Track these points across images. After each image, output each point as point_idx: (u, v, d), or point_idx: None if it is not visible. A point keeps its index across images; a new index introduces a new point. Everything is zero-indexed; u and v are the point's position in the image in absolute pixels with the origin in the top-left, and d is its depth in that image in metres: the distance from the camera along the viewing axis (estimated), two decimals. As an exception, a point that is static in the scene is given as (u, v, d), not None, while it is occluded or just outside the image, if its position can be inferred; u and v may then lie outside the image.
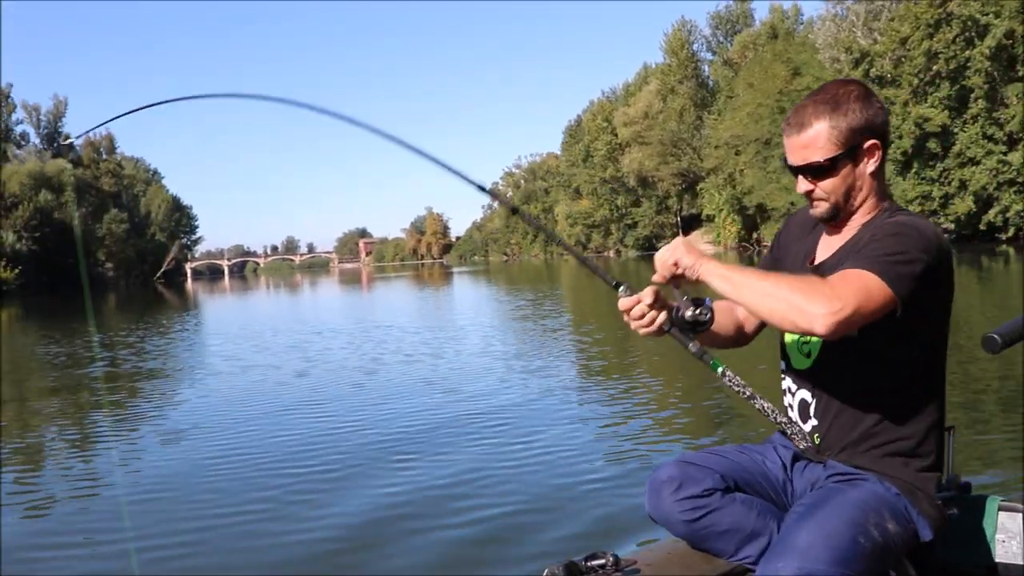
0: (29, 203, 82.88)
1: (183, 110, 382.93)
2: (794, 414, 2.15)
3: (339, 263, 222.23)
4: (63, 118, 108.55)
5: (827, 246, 2.15)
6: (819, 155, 2.02)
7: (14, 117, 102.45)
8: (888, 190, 2.14)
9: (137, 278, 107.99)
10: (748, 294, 1.89)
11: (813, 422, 2.10)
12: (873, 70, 47.47)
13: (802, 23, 72.58)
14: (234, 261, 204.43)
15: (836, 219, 2.10)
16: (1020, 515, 2.15)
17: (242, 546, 4.46)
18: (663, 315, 2.05)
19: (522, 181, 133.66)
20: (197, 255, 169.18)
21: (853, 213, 2.09)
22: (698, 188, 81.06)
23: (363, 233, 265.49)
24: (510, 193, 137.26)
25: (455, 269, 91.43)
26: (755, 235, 70.82)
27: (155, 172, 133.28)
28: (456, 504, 4.89)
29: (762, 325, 2.25)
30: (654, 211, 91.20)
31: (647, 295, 2.04)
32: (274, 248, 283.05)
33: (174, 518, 5.02)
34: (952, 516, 2.08)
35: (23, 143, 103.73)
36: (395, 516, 4.74)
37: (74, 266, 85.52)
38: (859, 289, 1.83)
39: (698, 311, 2.02)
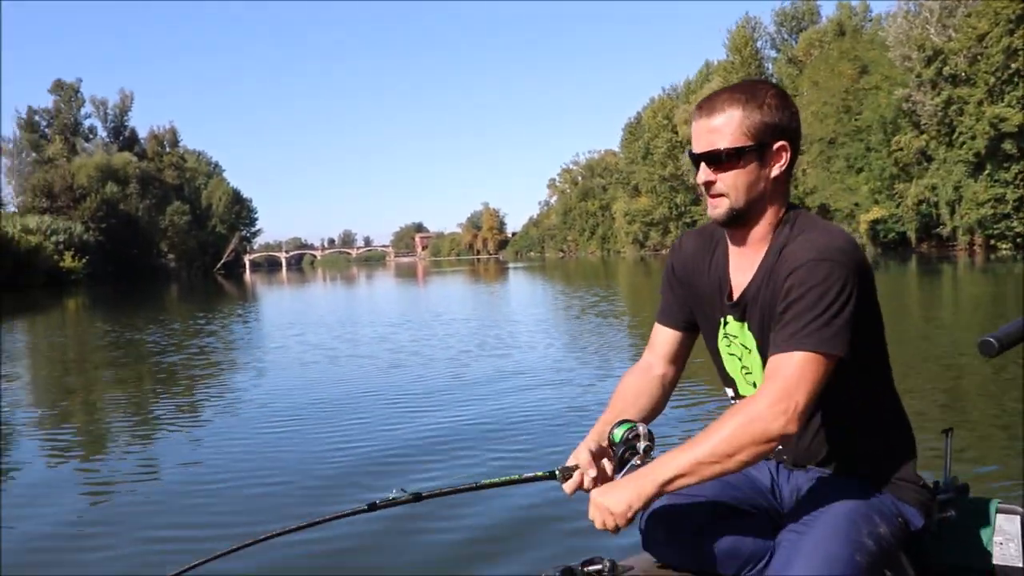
0: (96, 195, 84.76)
1: (246, 103, 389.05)
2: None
3: (395, 257, 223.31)
4: (129, 112, 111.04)
5: (740, 270, 2.04)
6: (727, 142, 1.91)
7: (83, 111, 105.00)
8: (788, 201, 2.02)
9: (198, 269, 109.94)
10: (707, 469, 1.81)
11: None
12: (947, 68, 46.25)
13: (870, 20, 71.07)
14: (292, 253, 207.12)
15: (735, 223, 1.98)
16: (1018, 517, 2.14)
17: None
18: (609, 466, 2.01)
19: (580, 178, 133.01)
20: (256, 247, 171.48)
21: (753, 218, 1.98)
22: (758, 187, 79.81)
23: (419, 227, 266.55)
24: (568, 189, 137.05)
25: (511, 265, 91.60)
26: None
27: (216, 165, 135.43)
28: (453, 505, 4.81)
29: (680, 367, 2.25)
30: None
31: (583, 462, 1.99)
32: (331, 241, 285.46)
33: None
34: (950, 518, 2.09)
35: (91, 136, 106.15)
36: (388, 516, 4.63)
37: (138, 256, 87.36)
38: (801, 377, 1.80)
39: (636, 447, 1.96)
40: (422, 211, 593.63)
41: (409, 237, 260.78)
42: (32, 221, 72.66)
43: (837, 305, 1.82)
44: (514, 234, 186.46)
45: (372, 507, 1.83)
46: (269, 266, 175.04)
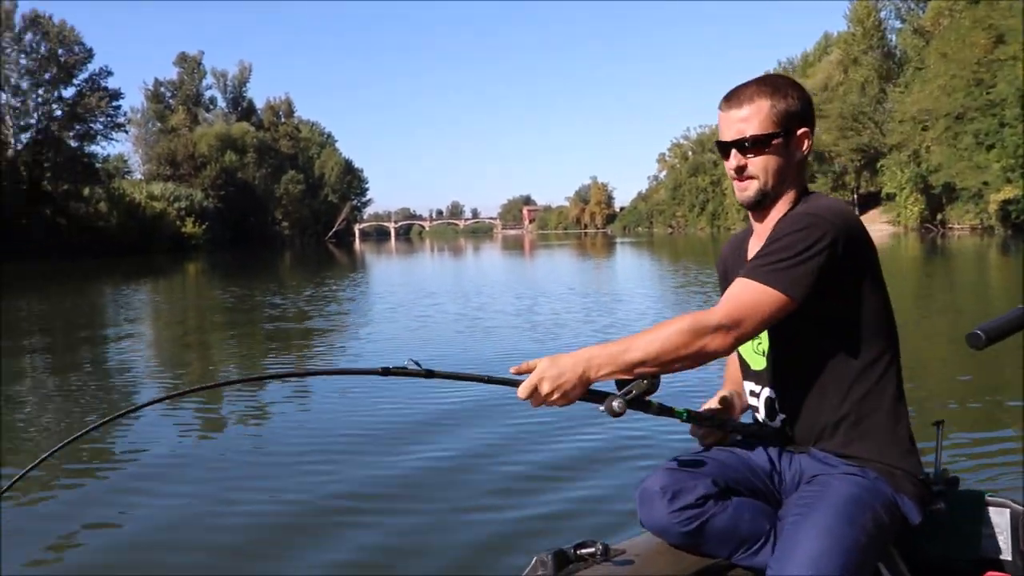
0: (216, 163, 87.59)
1: (359, 75, 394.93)
2: (761, 415, 2.18)
3: (502, 229, 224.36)
4: (247, 83, 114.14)
5: (757, 245, 2.15)
6: (756, 129, 2.06)
7: (204, 83, 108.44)
8: (807, 186, 2.17)
9: (311, 237, 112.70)
10: (643, 348, 1.88)
11: (781, 416, 2.13)
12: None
13: (1007, -13, 67.22)
14: (400, 224, 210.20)
15: (762, 204, 2.12)
16: (1007, 510, 2.17)
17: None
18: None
19: (690, 152, 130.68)
20: (366, 216, 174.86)
21: (777, 200, 2.12)
22: (878, 165, 76.86)
23: (527, 200, 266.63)
24: (678, 164, 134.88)
25: (618, 239, 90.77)
26: (940, 216, 66.66)
27: (329, 135, 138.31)
28: (445, 486, 4.93)
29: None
30: (829, 188, 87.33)
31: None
32: (439, 212, 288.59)
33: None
34: (940, 510, 2.08)
35: (211, 107, 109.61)
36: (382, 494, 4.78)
37: (254, 224, 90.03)
38: (746, 301, 1.92)
39: (638, 389, 1.93)
40: (530, 184, 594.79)
41: (517, 209, 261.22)
42: (157, 188, 75.75)
43: (807, 254, 1.92)
44: (622, 209, 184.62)
45: (385, 371, 1.85)
46: (378, 235, 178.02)
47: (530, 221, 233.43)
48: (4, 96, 67.02)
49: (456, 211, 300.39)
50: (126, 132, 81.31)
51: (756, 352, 2.18)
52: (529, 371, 1.89)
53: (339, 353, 10.90)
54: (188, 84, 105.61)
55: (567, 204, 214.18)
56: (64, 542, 4.30)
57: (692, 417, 2.11)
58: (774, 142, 2.07)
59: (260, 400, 7.66)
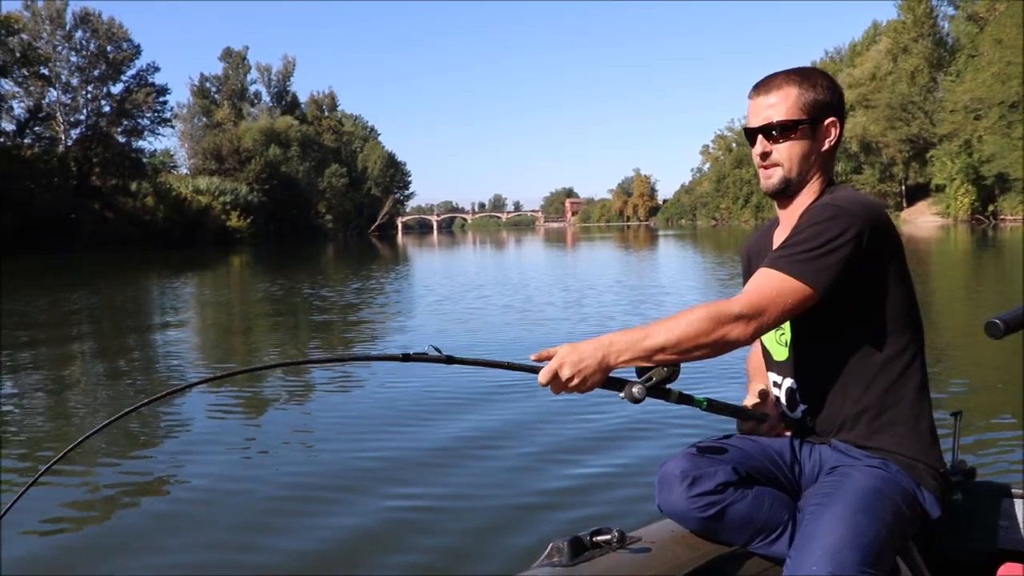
0: (260, 157, 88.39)
1: (402, 69, 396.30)
2: (783, 405, 2.20)
3: (544, 222, 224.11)
4: (291, 77, 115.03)
5: (782, 235, 2.15)
6: (783, 116, 2.07)
7: (248, 78, 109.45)
8: (834, 177, 2.17)
9: (354, 230, 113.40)
10: (663, 334, 1.87)
11: (803, 407, 2.14)
12: None
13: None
14: (443, 217, 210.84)
15: (786, 192, 2.13)
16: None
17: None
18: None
19: (734, 144, 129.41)
20: (408, 210, 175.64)
21: (801, 189, 2.13)
22: (928, 155, 75.45)
23: (569, 193, 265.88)
24: (721, 156, 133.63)
25: (661, 232, 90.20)
26: (992, 208, 65.26)
27: (372, 129, 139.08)
28: (463, 472, 4.96)
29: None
30: (877, 179, 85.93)
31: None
32: (481, 205, 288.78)
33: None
34: (957, 501, 2.08)
35: (256, 101, 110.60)
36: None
37: (297, 217, 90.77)
38: (768, 290, 1.91)
39: (658, 377, 1.91)
40: (572, 176, 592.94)
41: (559, 202, 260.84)
42: (203, 182, 76.54)
43: (831, 245, 1.91)
44: (665, 201, 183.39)
45: (406, 357, 1.85)
46: (420, 229, 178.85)
47: (572, 214, 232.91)
48: (55, 93, 68.29)
49: (498, 204, 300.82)
50: (172, 127, 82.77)
51: (779, 343, 2.19)
52: (549, 358, 1.87)
53: (385, 344, 10.84)
54: (233, 79, 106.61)
55: (610, 197, 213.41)
56: (100, 515, 4.44)
57: (712, 406, 2.08)
58: (800, 129, 2.08)
59: (290, 384, 7.84)
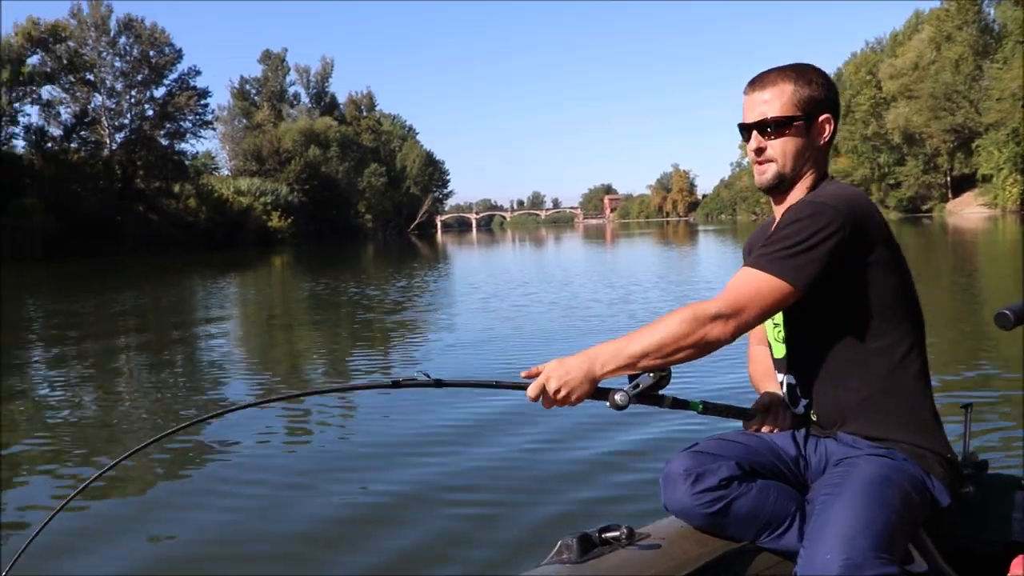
0: (300, 158, 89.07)
1: (439, 68, 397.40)
2: (786, 401, 2.21)
3: (583, 219, 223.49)
4: (329, 78, 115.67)
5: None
6: (777, 111, 2.09)
7: (288, 79, 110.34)
8: (827, 173, 2.17)
9: (393, 229, 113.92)
10: (644, 340, 1.89)
11: (804, 402, 2.15)
12: None
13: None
14: (481, 215, 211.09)
15: (780, 188, 2.14)
16: None
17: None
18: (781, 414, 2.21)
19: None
20: (447, 208, 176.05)
21: (795, 185, 2.14)
22: (973, 145, 74.11)
23: (608, 189, 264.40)
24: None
25: (700, 227, 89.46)
26: (1041, 197, 63.96)
27: (411, 128, 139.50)
28: (474, 465, 4.99)
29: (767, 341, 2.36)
30: (920, 170, 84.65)
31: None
32: (520, 203, 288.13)
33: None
34: (969, 493, 2.07)
35: (295, 103, 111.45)
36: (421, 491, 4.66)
37: (337, 217, 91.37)
38: (748, 289, 1.92)
39: (645, 384, 1.94)
40: (611, 173, 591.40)
41: (598, 199, 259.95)
42: (244, 183, 77.29)
43: (812, 241, 1.92)
44: (704, 196, 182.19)
45: (396, 384, 1.87)
46: (460, 227, 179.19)
47: (611, 210, 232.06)
48: (100, 98, 69.41)
49: (537, 201, 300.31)
50: (214, 129, 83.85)
51: (777, 340, 2.21)
52: (538, 374, 1.91)
53: (431, 344, 10.80)
54: (272, 81, 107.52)
55: (648, 192, 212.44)
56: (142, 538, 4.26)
57: (708, 408, 2.10)
58: (795, 125, 2.09)
59: (304, 411, 7.22)
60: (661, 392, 1.97)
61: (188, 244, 60.78)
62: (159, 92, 72.90)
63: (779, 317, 2.16)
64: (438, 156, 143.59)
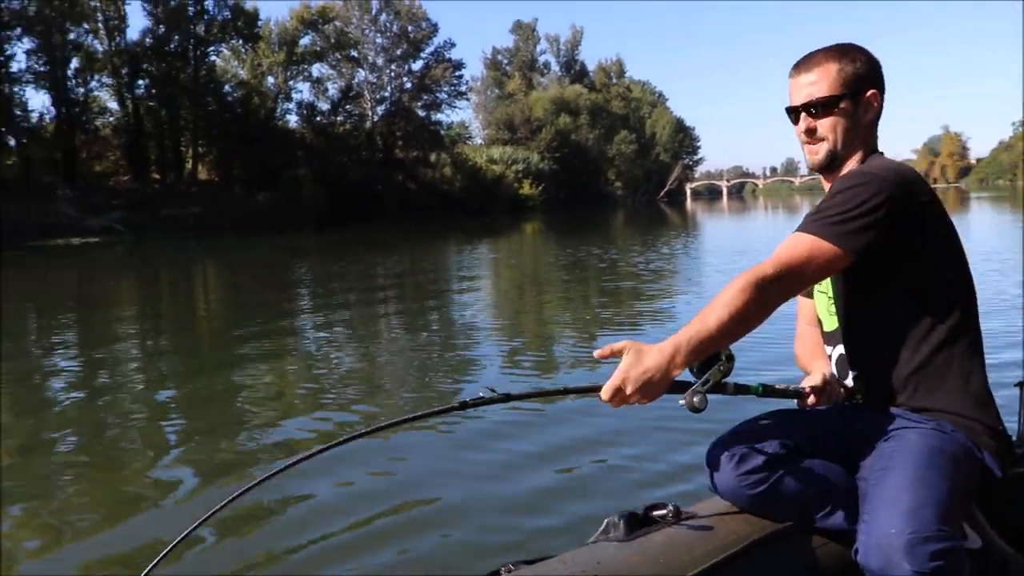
0: (550, 126, 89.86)
1: (689, 32, 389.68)
2: (836, 375, 2.18)
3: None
4: (579, 46, 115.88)
5: None
6: (825, 92, 2.12)
7: (538, 48, 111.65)
8: (877, 148, 2.19)
9: (643, 196, 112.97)
10: (715, 320, 1.84)
11: (853, 374, 2.13)
12: None
13: None
14: (733, 182, 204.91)
15: (832, 166, 2.16)
16: None
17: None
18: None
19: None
20: (697, 175, 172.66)
21: (846, 162, 2.15)
22: None
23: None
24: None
25: (973, 195, 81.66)
26: None
27: (660, 94, 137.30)
28: (525, 444, 4.99)
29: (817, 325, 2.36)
30: None
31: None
32: (773, 170, 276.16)
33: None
34: (1022, 473, 2.06)
35: (545, 72, 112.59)
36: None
37: (587, 184, 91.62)
38: (799, 252, 1.93)
39: (715, 378, 1.90)
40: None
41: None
42: (496, 152, 78.99)
43: (862, 209, 1.93)
44: (979, 160, 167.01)
45: (463, 405, 1.81)
46: (710, 194, 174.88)
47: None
48: (363, 73, 73.13)
49: (791, 168, 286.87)
50: (468, 100, 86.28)
51: (829, 312, 2.20)
52: (614, 353, 1.81)
53: (686, 313, 10.05)
54: (523, 51, 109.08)
55: (914, 157, 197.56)
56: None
57: (767, 391, 2.06)
58: (842, 104, 2.11)
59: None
60: (725, 380, 1.90)
61: (444, 212, 62.68)
62: (416, 65, 75.70)
63: (831, 290, 2.15)
64: (688, 122, 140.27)
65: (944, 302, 2.03)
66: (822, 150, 2.15)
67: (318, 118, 67.91)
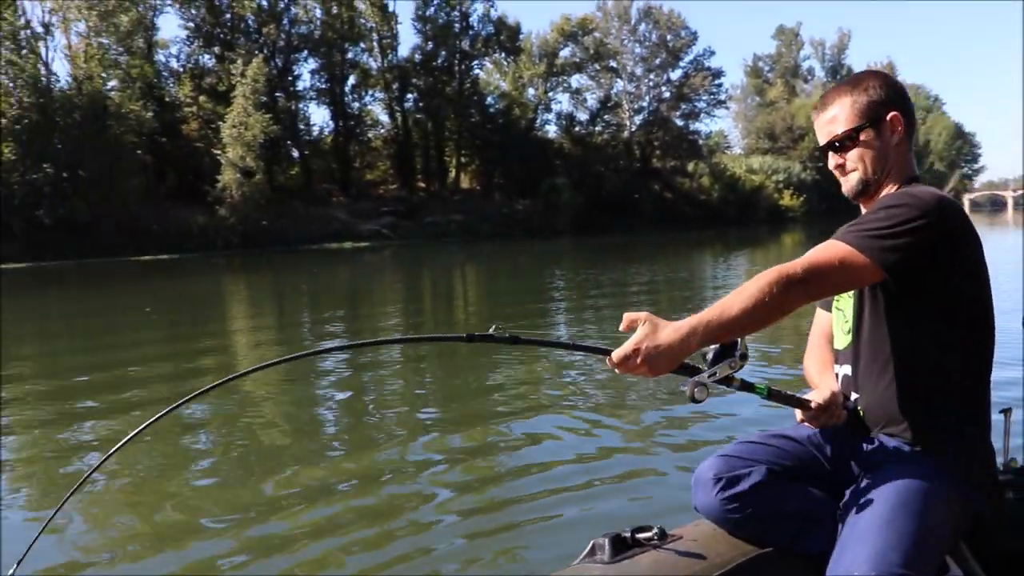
0: (814, 135, 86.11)
1: (971, 33, 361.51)
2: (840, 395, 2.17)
3: None
4: (846, 50, 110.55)
5: None
6: (843, 127, 2.11)
7: (801, 54, 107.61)
8: (914, 170, 2.16)
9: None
10: (735, 309, 1.80)
11: (855, 396, 2.11)
12: None
13: None
14: (1019, 193, 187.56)
15: (867, 192, 2.13)
16: None
17: None
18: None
19: None
20: (977, 185, 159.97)
21: (880, 188, 2.12)
22: None
23: None
24: None
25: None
26: None
27: (936, 99, 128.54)
28: (507, 464, 5.06)
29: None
30: None
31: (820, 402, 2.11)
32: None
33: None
34: (1008, 501, 2.06)
35: (809, 78, 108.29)
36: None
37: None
38: (833, 259, 1.89)
39: (723, 372, 1.87)
40: None
41: None
42: (755, 161, 76.91)
43: (900, 228, 1.89)
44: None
45: (471, 338, 1.80)
46: (992, 206, 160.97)
47: None
48: (622, 83, 73.65)
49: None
50: (727, 108, 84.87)
51: (843, 330, 2.17)
52: (630, 326, 1.78)
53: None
54: (786, 56, 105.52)
55: None
56: None
57: (773, 395, 2.01)
58: (862, 135, 2.10)
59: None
60: (733, 375, 1.87)
61: (700, 221, 61.74)
62: (675, 74, 75.39)
63: (849, 308, 2.12)
64: (968, 128, 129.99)
65: (960, 340, 1.98)
66: (853, 179, 2.13)
67: (577, 128, 69.20)
